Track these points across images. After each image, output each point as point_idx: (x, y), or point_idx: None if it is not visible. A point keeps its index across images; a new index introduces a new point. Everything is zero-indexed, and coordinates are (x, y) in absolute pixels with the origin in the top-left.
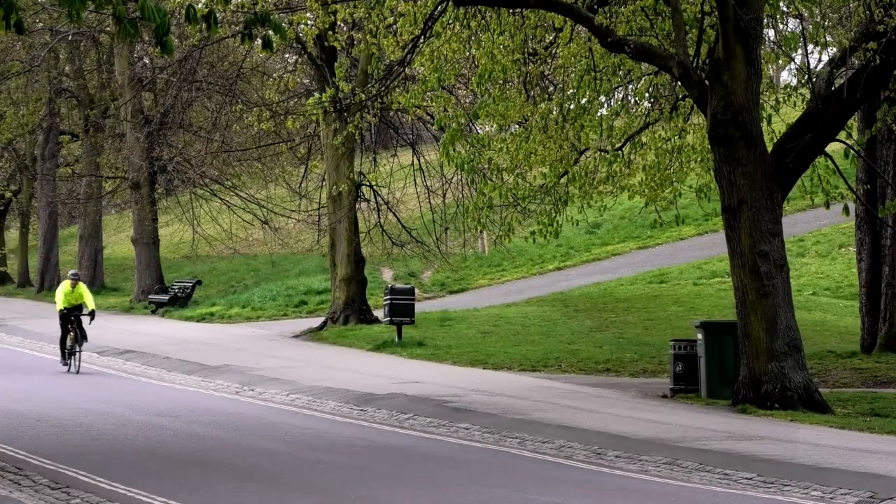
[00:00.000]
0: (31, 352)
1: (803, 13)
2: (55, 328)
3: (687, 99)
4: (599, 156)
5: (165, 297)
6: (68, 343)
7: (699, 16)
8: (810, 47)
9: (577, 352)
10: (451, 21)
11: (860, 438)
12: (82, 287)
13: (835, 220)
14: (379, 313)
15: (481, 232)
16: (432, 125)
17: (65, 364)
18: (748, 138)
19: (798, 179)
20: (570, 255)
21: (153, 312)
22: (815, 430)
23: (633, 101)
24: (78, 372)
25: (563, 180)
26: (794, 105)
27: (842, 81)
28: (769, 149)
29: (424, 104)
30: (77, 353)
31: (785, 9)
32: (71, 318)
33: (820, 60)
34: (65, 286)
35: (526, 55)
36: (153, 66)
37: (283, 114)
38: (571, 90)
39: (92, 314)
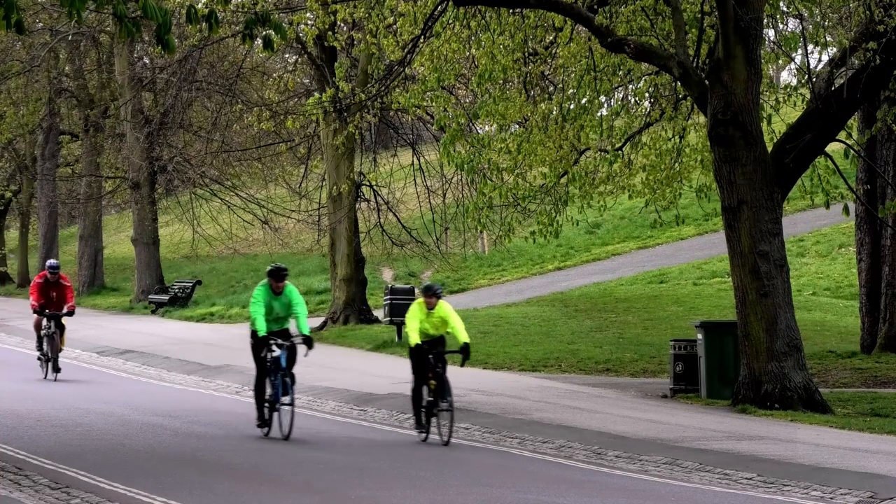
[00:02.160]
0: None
1: (803, 13)
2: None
3: (687, 99)
4: (599, 156)
5: (165, 297)
6: (425, 397)
7: (699, 16)
8: (810, 47)
9: (577, 352)
10: (451, 21)
11: (860, 438)
12: (444, 307)
13: (835, 220)
14: (379, 313)
15: (481, 232)
16: (432, 125)
17: (421, 432)
18: (748, 138)
19: (798, 179)
20: (570, 255)
21: (153, 312)
22: (815, 430)
23: (633, 101)
24: (447, 443)
25: (563, 180)
26: (794, 105)
27: (842, 81)
28: (769, 149)
29: (424, 104)
30: (443, 414)
31: (785, 9)
32: (429, 358)
33: (820, 60)
34: (417, 308)
35: (526, 55)
36: (153, 66)
37: (283, 114)
38: (571, 90)
39: (465, 352)
